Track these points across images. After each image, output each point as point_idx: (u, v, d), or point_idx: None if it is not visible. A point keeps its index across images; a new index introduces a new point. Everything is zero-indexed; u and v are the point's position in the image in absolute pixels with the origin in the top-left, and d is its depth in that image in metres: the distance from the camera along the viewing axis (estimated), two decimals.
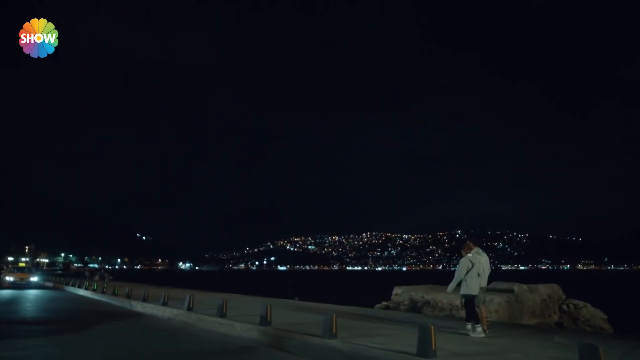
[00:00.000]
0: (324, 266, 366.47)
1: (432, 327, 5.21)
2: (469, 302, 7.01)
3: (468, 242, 7.31)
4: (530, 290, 12.13)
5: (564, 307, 12.89)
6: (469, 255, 7.04)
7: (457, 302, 11.22)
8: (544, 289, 12.62)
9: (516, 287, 12.13)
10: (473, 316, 6.94)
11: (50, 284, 27.88)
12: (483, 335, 6.81)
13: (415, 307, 12.13)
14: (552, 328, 10.85)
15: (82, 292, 20.47)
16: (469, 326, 7.01)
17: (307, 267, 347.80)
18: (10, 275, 24.30)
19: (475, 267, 6.88)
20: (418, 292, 12.23)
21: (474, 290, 6.93)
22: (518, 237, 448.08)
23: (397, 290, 13.01)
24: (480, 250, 7.17)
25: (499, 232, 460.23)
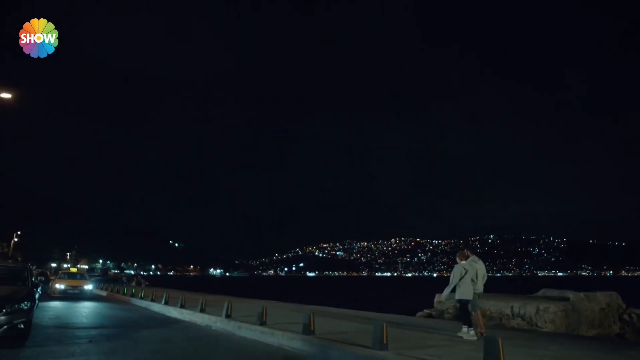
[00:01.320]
0: (352, 272, 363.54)
1: (500, 339, 4.72)
2: (463, 306, 7.52)
3: (463, 251, 7.88)
4: (588, 299, 11.23)
5: (625, 317, 11.88)
6: (463, 262, 7.54)
7: (508, 310, 10.54)
8: (602, 297, 11.67)
9: (571, 295, 11.26)
10: (466, 319, 7.49)
11: (103, 293, 24.02)
12: (475, 338, 7.14)
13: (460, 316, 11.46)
14: (618, 341, 9.96)
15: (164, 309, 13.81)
16: (464, 329, 7.39)
17: (336, 273, 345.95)
18: (60, 282, 19.69)
19: (469, 273, 7.35)
20: None
21: (468, 295, 7.36)
22: (555, 242, 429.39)
23: (440, 297, 12.35)
24: (476, 258, 7.67)
25: (534, 237, 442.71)
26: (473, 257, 7.63)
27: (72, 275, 22.31)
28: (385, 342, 6.06)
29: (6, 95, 19.56)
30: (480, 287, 7.54)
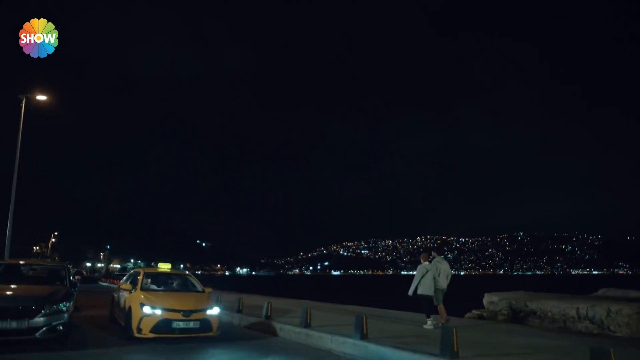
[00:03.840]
0: (378, 271, 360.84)
1: (611, 351, 3.93)
2: (425, 300, 8.65)
3: (426, 253, 9.09)
4: None
5: None
6: (425, 263, 8.63)
7: (572, 312, 9.57)
8: None
9: None
10: (428, 311, 8.67)
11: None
12: (432, 327, 8.31)
13: (516, 318, 10.54)
14: None
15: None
16: (429, 321, 8.54)
17: (361, 272, 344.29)
18: (153, 303, 7.41)
19: (430, 272, 8.48)
20: (520, 300, 10.62)
21: (428, 292, 8.52)
22: (589, 239, 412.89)
23: (491, 297, 11.44)
24: (441, 259, 8.70)
25: (566, 234, 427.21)
26: (438, 259, 8.69)
27: (167, 282, 9.24)
28: (456, 349, 5.35)
29: (42, 97, 19.89)
30: (442, 284, 8.63)
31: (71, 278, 8.77)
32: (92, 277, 59.21)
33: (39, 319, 6.34)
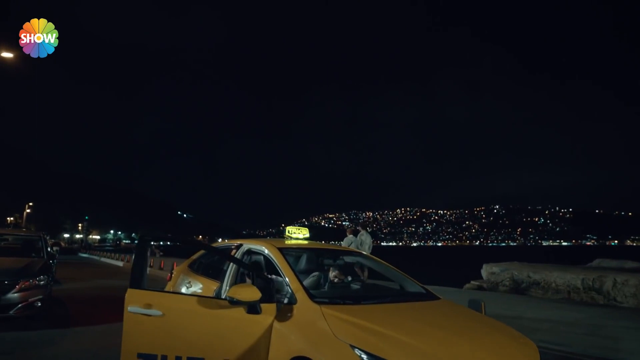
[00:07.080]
0: None
1: None
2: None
3: (350, 228, 10.01)
4: None
5: None
6: (350, 236, 9.63)
7: (577, 283, 9.42)
8: None
9: None
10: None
11: (119, 264, 17.81)
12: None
13: (518, 289, 10.38)
14: None
15: None
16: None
17: (342, 243, 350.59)
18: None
19: (353, 244, 9.40)
20: (522, 271, 10.43)
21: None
22: (561, 212, 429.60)
23: (491, 268, 11.25)
24: (364, 233, 9.60)
25: (539, 207, 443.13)
26: (362, 232, 9.63)
27: (312, 270, 3.63)
28: None
29: (8, 55, 18.20)
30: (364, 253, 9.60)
31: (49, 249, 7.97)
32: (72, 248, 57.84)
33: (13, 295, 5.60)
